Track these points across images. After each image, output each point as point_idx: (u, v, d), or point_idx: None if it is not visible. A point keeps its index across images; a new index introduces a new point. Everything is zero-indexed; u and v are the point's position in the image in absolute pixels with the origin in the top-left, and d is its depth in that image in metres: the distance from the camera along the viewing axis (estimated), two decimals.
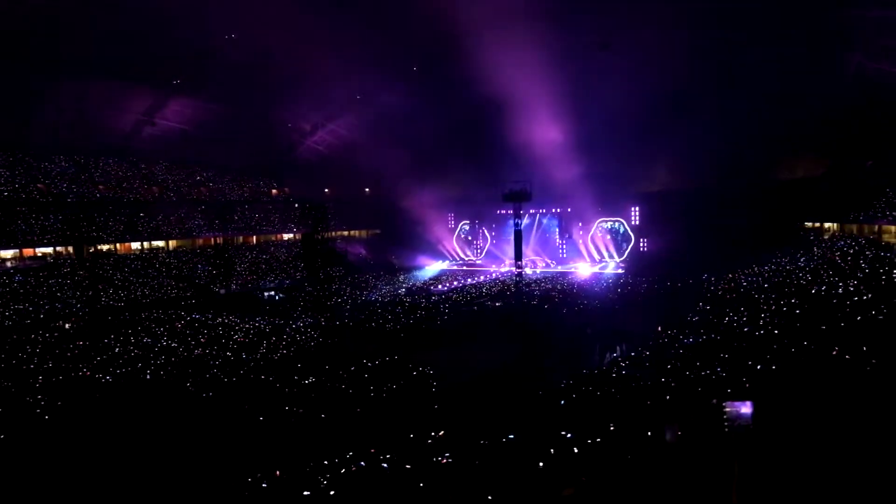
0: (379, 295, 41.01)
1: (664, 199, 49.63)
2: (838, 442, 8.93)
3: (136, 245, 47.07)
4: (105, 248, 44.45)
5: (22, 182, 42.65)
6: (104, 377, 20.12)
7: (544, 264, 54.69)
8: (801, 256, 34.90)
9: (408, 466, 11.52)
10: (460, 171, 52.24)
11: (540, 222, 58.32)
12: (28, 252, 41.00)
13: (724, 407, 8.60)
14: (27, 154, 44.86)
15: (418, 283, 45.48)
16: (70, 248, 42.54)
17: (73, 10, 32.74)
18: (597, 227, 55.06)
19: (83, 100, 42.01)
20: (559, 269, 52.28)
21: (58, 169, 45.84)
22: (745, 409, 8.48)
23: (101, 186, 47.13)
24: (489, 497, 9.34)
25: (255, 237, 54.75)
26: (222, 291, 42.74)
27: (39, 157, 45.36)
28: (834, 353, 14.82)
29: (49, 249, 41.90)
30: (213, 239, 51.20)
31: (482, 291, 39.60)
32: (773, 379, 14.17)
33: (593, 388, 16.15)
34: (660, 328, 23.56)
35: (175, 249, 48.91)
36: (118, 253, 45.21)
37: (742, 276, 33.98)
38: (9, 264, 39.25)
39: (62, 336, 28.22)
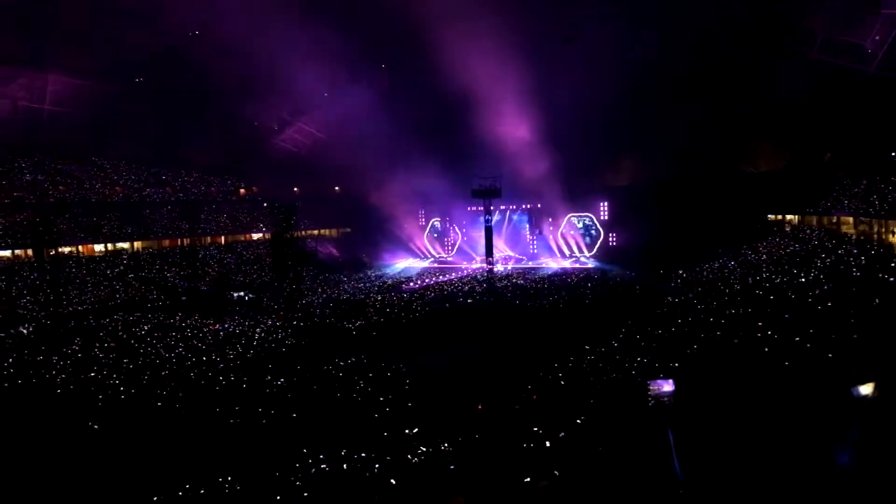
0: (350, 294, 40.76)
1: (631, 192, 50.32)
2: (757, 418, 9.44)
3: (99, 247, 45.93)
4: (66, 250, 43.24)
5: None
6: (66, 383, 19.63)
7: (514, 260, 54.93)
8: (763, 248, 35.84)
9: (378, 465, 11.53)
10: (429, 168, 52.25)
11: (510, 218, 58.53)
12: None
13: (648, 385, 9.38)
14: None
15: (389, 281, 45.30)
16: (29, 252, 41.33)
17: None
18: (566, 222, 55.44)
19: (38, 96, 40.94)
20: (530, 264, 52.60)
21: (16, 170, 44.50)
22: (668, 386, 9.24)
23: (60, 188, 45.88)
24: (462, 492, 9.40)
25: (223, 237, 53.93)
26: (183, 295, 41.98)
27: None
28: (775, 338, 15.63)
29: (7, 252, 40.71)
30: (179, 240, 50.31)
31: (454, 288, 39.68)
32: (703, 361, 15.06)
33: (563, 382, 16.37)
34: (629, 321, 23.87)
35: (139, 251, 47.89)
36: (82, 255, 44.08)
37: (706, 268, 34.76)
38: None
39: (22, 341, 27.45)
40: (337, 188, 63.51)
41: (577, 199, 53.90)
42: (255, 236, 56.34)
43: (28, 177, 45.00)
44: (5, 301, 34.79)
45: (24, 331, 30.86)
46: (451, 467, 11.08)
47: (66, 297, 36.99)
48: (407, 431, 13.58)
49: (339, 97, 49.17)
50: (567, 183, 50.88)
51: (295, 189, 60.54)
